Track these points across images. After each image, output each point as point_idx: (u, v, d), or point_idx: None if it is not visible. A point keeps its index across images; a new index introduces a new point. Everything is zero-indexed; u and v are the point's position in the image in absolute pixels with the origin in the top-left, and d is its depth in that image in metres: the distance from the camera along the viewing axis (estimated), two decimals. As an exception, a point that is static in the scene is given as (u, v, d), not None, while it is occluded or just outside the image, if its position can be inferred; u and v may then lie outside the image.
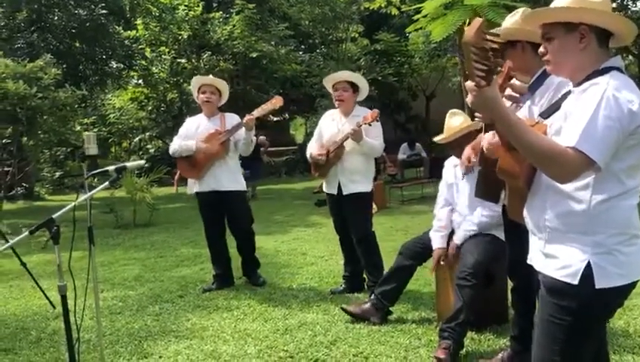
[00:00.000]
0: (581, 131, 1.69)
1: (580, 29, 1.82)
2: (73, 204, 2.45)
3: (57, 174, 17.76)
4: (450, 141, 3.81)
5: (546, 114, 2.02)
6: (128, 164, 2.56)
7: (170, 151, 5.19)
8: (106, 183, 2.52)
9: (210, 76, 5.25)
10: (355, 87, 4.62)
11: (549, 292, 1.90)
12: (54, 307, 4.50)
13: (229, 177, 5.00)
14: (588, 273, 1.78)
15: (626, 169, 1.79)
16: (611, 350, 3.07)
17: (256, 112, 4.85)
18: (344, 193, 4.57)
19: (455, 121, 3.84)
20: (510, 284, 3.43)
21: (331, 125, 4.72)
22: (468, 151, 3.31)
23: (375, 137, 4.52)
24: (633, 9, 14.49)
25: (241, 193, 5.12)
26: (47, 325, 4.36)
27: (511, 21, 2.66)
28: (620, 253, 1.80)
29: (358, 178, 4.56)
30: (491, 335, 3.68)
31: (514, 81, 2.40)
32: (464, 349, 3.42)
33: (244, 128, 4.84)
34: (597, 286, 1.78)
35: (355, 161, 4.53)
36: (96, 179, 6.54)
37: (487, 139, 3.06)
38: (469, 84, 1.73)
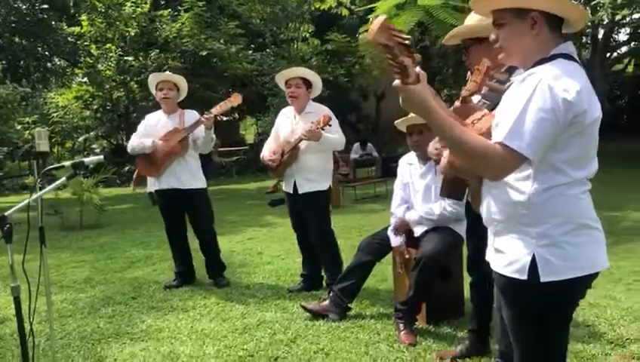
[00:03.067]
0: (510, 126, 1.65)
1: (531, 14, 1.76)
2: (27, 201, 2.33)
3: (-4, 175, 17.04)
4: (413, 125, 3.78)
5: (491, 106, 2.03)
6: (86, 160, 2.44)
7: (128, 149, 5.08)
8: (63, 179, 2.42)
9: (167, 72, 5.14)
10: (308, 84, 4.58)
11: (502, 291, 1.85)
12: (-3, 312, 4.34)
13: (188, 175, 4.93)
14: (534, 266, 1.72)
15: (568, 160, 1.72)
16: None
17: (215, 110, 4.76)
18: (300, 192, 4.54)
19: None
20: (467, 278, 3.49)
21: (286, 123, 4.69)
22: (433, 144, 3.37)
23: (335, 132, 4.49)
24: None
25: (201, 191, 5.03)
26: (-10, 331, 4.16)
27: (473, 18, 2.70)
28: (569, 244, 1.72)
29: (313, 176, 4.52)
30: (449, 328, 3.74)
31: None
32: (423, 344, 3.48)
33: (203, 126, 4.77)
34: (542, 280, 1.71)
35: (311, 159, 4.50)
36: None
37: (432, 143, 3.11)
38: (396, 82, 1.67)
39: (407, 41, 1.59)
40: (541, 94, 1.64)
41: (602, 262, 1.79)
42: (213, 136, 4.89)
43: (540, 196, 1.72)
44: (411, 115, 3.83)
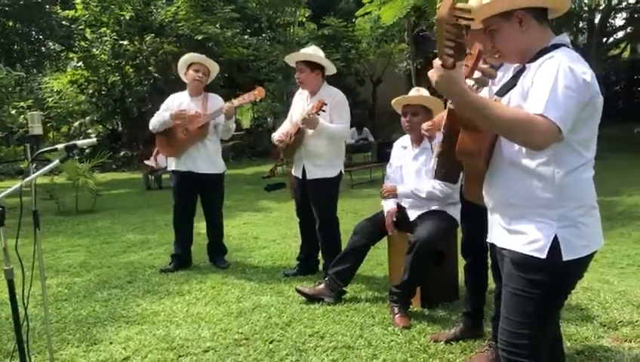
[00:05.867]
0: (546, 100, 1.71)
1: (515, 14, 1.87)
2: (20, 183, 2.32)
3: (-9, 160, 16.94)
4: (408, 105, 3.78)
5: (502, 92, 2.04)
6: (79, 142, 2.43)
7: (150, 127, 5.12)
8: (57, 161, 2.40)
9: (204, 56, 5.11)
10: (314, 66, 4.45)
11: (517, 266, 1.92)
12: (-8, 296, 4.33)
13: (206, 160, 4.97)
14: (555, 246, 1.83)
15: (582, 141, 1.83)
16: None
17: (237, 101, 4.81)
18: (308, 178, 4.50)
19: (422, 93, 3.88)
20: (462, 262, 3.51)
21: (299, 105, 4.62)
22: (428, 122, 3.39)
23: (339, 121, 4.40)
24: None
25: (218, 176, 5.07)
26: (-15, 315, 4.15)
27: (474, 1, 2.66)
28: (583, 224, 1.86)
29: (322, 162, 4.45)
30: (443, 311, 3.77)
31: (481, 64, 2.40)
32: (417, 326, 3.50)
33: (223, 114, 4.81)
34: (564, 259, 1.83)
35: (319, 145, 4.41)
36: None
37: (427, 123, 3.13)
38: (437, 63, 1.73)
39: (469, 23, 1.69)
40: (565, 75, 1.73)
41: (601, 240, 1.94)
42: (233, 125, 4.93)
43: (564, 180, 1.83)
44: (410, 94, 3.86)
